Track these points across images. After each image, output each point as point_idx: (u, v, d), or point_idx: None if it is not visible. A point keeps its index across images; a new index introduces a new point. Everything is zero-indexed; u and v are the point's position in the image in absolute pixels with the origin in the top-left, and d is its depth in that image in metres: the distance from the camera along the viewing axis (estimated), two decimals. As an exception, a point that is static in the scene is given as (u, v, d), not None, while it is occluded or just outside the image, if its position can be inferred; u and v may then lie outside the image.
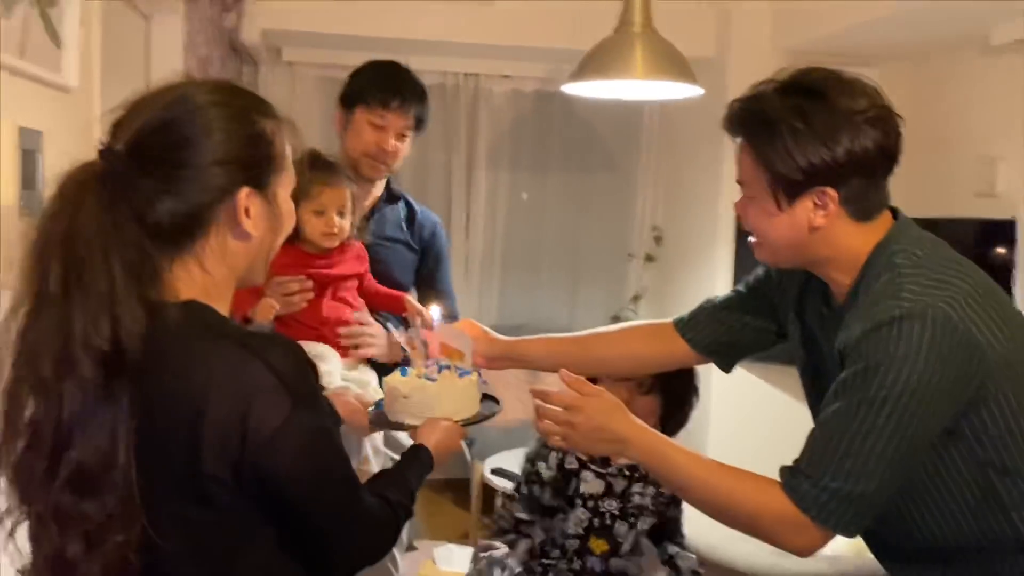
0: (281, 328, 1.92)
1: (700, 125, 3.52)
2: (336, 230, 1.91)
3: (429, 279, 2.31)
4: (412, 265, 2.27)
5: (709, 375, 1.73)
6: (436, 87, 4.00)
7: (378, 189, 2.27)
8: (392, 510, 1.18)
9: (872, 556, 1.44)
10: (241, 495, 1.00)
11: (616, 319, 4.29)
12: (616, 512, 1.78)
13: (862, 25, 3.06)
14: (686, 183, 4.04)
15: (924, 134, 3.54)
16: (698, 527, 1.82)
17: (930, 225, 3.15)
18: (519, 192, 4.32)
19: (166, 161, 1.01)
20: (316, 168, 1.92)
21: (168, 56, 2.53)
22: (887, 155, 1.25)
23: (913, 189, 3.51)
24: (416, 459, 1.33)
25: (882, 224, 1.30)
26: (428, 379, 1.49)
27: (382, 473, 1.33)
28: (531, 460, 1.90)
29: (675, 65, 2.38)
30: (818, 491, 1.20)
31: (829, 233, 1.27)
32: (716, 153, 3.50)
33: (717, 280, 3.59)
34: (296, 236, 1.91)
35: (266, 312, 1.85)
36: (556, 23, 3.42)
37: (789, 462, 1.26)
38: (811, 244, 1.29)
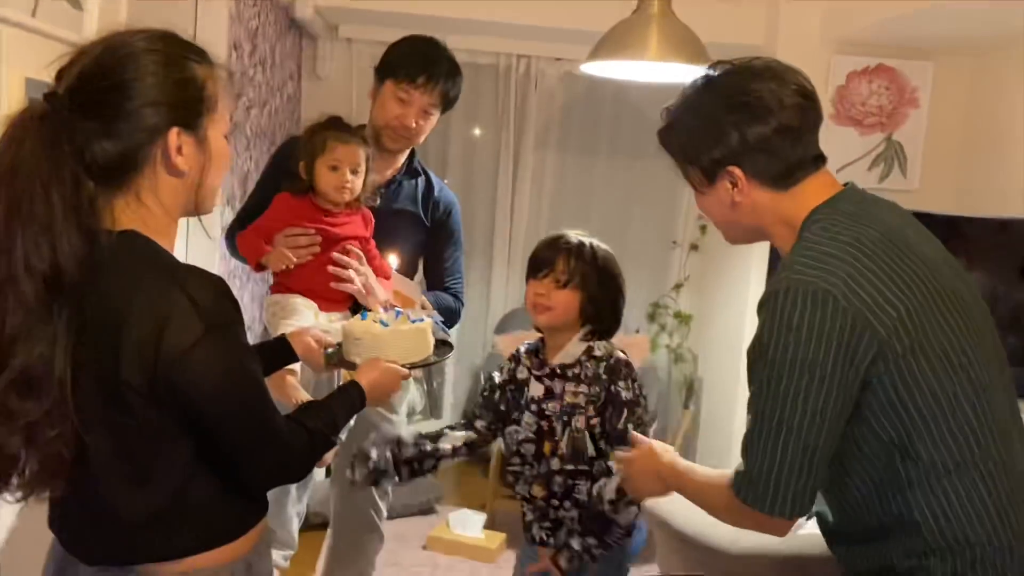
0: (281, 276, 2.06)
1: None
2: (348, 185, 2.03)
3: (437, 255, 2.36)
4: (419, 239, 2.33)
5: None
6: (489, 68, 4.08)
7: (399, 161, 2.33)
8: (308, 435, 1.28)
9: None
10: (156, 405, 1.12)
11: (656, 307, 4.31)
12: (557, 412, 1.80)
13: (905, 16, 2.99)
14: (734, 173, 4.00)
15: (980, 131, 3.43)
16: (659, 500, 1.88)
17: (1002, 227, 3.04)
18: (566, 176, 4.34)
19: (102, 104, 1.12)
20: (334, 128, 2.07)
21: (214, 27, 2.68)
22: (786, 131, 1.28)
23: (969, 186, 3.43)
24: (345, 394, 1.44)
25: (823, 192, 1.31)
26: (382, 323, 1.59)
27: (309, 403, 1.42)
28: (491, 370, 1.99)
29: (690, 48, 2.37)
30: (741, 474, 1.26)
31: (750, 205, 1.33)
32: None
33: (752, 271, 3.57)
34: (311, 189, 2.05)
35: (280, 261, 1.99)
36: (608, 7, 3.43)
37: None
38: (740, 218, 1.35)
